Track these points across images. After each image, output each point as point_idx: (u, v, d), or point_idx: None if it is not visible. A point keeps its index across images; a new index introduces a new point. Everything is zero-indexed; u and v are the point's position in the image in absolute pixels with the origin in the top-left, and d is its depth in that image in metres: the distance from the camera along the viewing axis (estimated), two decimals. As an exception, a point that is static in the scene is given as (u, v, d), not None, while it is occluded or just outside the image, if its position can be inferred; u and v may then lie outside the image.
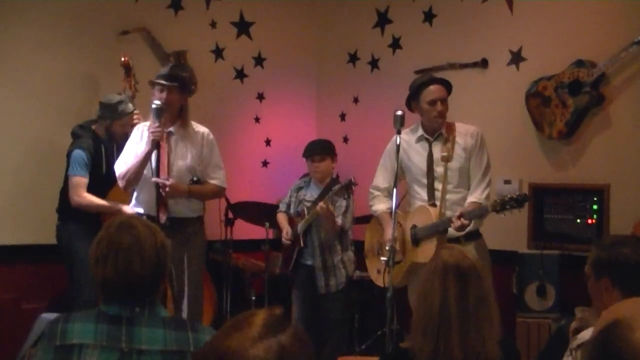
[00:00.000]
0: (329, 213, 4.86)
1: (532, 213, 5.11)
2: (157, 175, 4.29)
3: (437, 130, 4.31)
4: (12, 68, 5.30)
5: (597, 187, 4.88)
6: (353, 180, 4.72)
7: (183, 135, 4.48)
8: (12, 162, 5.29)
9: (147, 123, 4.44)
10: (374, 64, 6.32)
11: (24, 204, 5.29)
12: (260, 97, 6.48)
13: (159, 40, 5.81)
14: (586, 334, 2.40)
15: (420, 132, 4.36)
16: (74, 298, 4.67)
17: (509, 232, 4.99)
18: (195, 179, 4.45)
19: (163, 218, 4.26)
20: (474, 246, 4.14)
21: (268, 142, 6.53)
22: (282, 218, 5.30)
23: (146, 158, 4.31)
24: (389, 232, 4.03)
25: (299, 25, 6.67)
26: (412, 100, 4.33)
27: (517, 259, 4.97)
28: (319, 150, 5.15)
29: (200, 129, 4.56)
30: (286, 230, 5.17)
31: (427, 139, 4.33)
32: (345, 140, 6.48)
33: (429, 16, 5.85)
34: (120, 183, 4.45)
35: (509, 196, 3.87)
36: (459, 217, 3.97)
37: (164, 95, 4.35)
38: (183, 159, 4.45)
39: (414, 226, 4.23)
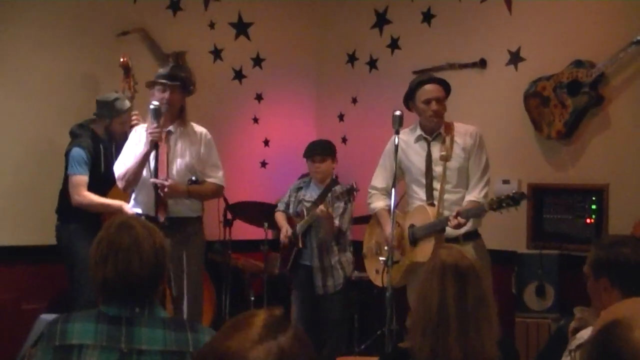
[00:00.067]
0: (329, 216, 4.87)
1: (531, 213, 5.11)
2: (156, 176, 4.30)
3: (436, 129, 4.31)
4: (12, 68, 5.30)
5: (596, 187, 4.88)
6: (355, 186, 4.71)
7: (182, 134, 4.50)
8: (12, 162, 5.29)
9: (146, 126, 4.45)
10: (372, 64, 6.32)
11: (23, 204, 5.28)
12: (259, 97, 6.48)
13: (157, 41, 5.81)
14: (585, 334, 2.40)
15: (419, 131, 4.36)
16: (74, 298, 4.66)
17: (508, 232, 4.99)
18: (193, 178, 4.46)
19: (162, 218, 4.26)
20: (473, 246, 4.14)
21: (267, 143, 6.53)
22: (280, 217, 5.30)
23: (144, 158, 4.31)
24: (388, 229, 4.03)
25: (297, 25, 6.67)
26: (409, 99, 4.34)
27: (516, 259, 4.97)
28: (320, 150, 5.15)
29: (199, 128, 4.59)
30: (286, 228, 5.17)
31: (425, 139, 4.34)
32: (344, 140, 6.48)
33: (427, 16, 5.85)
34: (120, 184, 4.46)
35: (505, 194, 3.88)
36: (455, 216, 3.98)
37: (166, 95, 4.37)
38: (182, 157, 4.47)
39: (412, 225, 4.24)
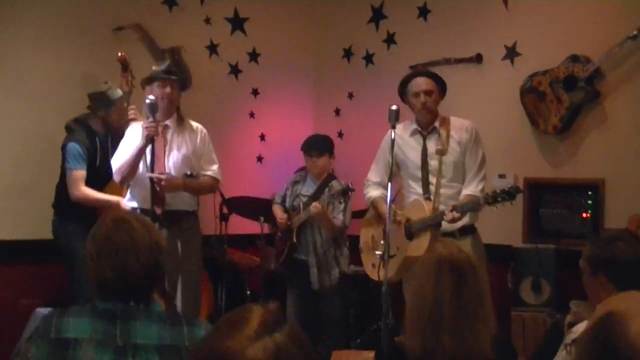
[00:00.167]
0: (323, 213, 4.87)
1: (527, 208, 5.12)
2: (152, 170, 4.31)
3: (430, 123, 4.32)
4: (12, 68, 5.28)
5: (592, 182, 4.89)
6: (350, 186, 4.73)
7: (179, 129, 4.53)
8: (12, 162, 5.27)
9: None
10: (368, 59, 6.32)
11: (24, 204, 5.27)
12: (255, 92, 6.47)
13: (153, 36, 5.80)
14: (580, 328, 2.40)
15: (414, 126, 4.36)
16: (74, 298, 4.64)
17: (504, 227, 5.00)
18: (189, 172, 4.48)
19: (158, 211, 4.28)
20: (469, 241, 4.14)
21: (263, 137, 6.52)
22: (277, 209, 5.30)
23: (140, 152, 4.32)
24: (385, 209, 4.03)
25: (293, 20, 6.66)
26: (402, 94, 4.37)
27: (512, 253, 4.98)
28: (317, 146, 5.14)
29: (195, 124, 4.64)
30: (285, 216, 5.16)
31: (421, 133, 4.34)
32: (340, 135, 6.48)
33: (423, 11, 5.85)
34: (116, 178, 4.48)
35: (501, 189, 3.89)
36: (451, 210, 3.98)
37: (167, 90, 4.40)
38: (179, 149, 4.50)
39: (408, 220, 4.24)
